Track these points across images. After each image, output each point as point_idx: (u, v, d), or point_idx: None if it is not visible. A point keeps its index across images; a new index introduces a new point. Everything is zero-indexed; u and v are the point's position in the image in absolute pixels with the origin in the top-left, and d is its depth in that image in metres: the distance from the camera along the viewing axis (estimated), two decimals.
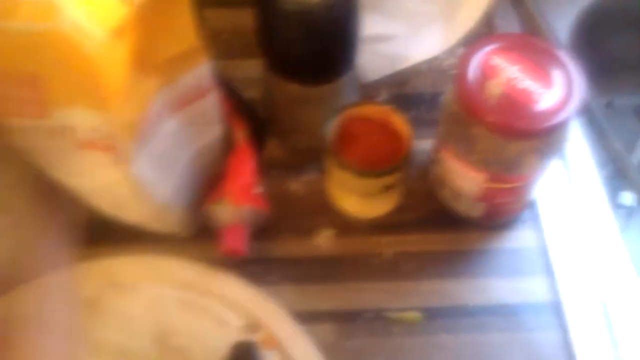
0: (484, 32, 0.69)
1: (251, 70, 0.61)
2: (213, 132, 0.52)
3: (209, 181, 0.57)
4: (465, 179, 0.53)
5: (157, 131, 0.44)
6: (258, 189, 0.57)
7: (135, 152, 0.43)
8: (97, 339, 0.52)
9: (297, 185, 0.63)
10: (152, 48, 0.38)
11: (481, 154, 0.50)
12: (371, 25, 0.55)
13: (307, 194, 0.62)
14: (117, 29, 0.35)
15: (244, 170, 0.56)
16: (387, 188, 0.56)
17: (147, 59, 0.38)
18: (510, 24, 0.71)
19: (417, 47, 0.67)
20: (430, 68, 0.69)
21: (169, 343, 0.52)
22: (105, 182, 0.50)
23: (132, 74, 0.37)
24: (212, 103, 0.48)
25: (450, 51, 0.68)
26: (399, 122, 0.56)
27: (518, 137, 0.48)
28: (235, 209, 0.55)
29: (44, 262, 0.56)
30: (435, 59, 0.68)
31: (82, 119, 0.43)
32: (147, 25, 0.36)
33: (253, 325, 0.53)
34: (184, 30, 0.40)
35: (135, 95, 0.39)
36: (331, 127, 0.55)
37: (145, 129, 0.42)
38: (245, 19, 0.56)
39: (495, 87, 0.47)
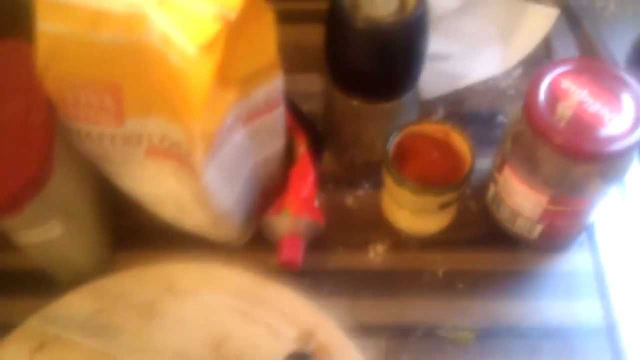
0: (542, 54, 0.69)
1: (310, 85, 0.62)
2: (277, 144, 0.53)
3: (267, 193, 0.58)
4: (526, 200, 0.53)
5: (227, 143, 0.45)
6: (317, 202, 0.57)
7: (207, 162, 0.44)
8: (154, 343, 0.52)
9: (352, 199, 0.63)
10: (235, 62, 0.39)
11: (546, 175, 0.50)
12: (432, 45, 0.55)
13: (361, 208, 0.63)
14: (208, 44, 0.35)
15: (306, 183, 0.57)
16: (444, 206, 0.56)
17: (229, 73, 0.39)
18: (568, 47, 0.71)
19: (476, 67, 0.67)
20: (487, 88, 0.69)
21: (223, 350, 0.53)
22: (170, 189, 0.52)
23: (214, 87, 0.38)
24: (280, 116, 0.49)
25: (508, 72, 0.68)
26: (459, 140, 0.56)
27: (586, 160, 0.48)
28: (295, 220, 0.56)
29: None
30: (493, 79, 0.69)
31: (157, 128, 0.44)
32: (233, 40, 0.37)
33: (306, 336, 0.53)
34: (266, 45, 0.41)
35: (214, 108, 0.40)
36: (391, 144, 0.55)
37: (219, 141, 0.43)
38: (306, 35, 0.59)
39: (565, 110, 0.47)
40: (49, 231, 0.51)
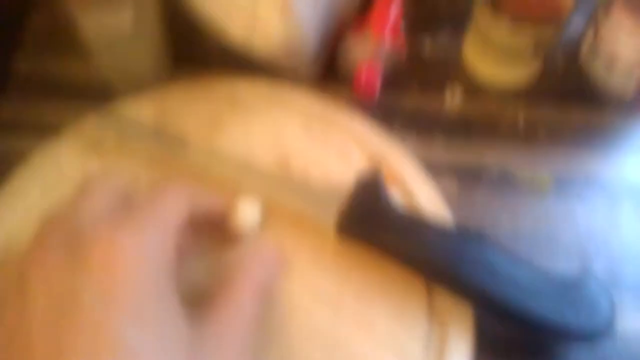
0: None
1: None
2: None
3: (344, 24, 0.55)
4: (632, 41, 0.49)
5: None
6: (401, 29, 0.54)
7: None
8: (219, 150, 0.50)
9: (430, 43, 0.60)
10: None
11: None
12: None
13: (439, 53, 0.60)
14: None
15: (391, 7, 0.53)
16: (537, 48, 0.53)
17: None
18: None
19: None
20: None
21: (290, 164, 0.50)
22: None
23: None
24: None
25: None
26: None
27: None
28: (377, 44, 0.53)
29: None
30: None
31: None
32: None
33: (376, 162, 0.51)
34: None
35: None
36: None
37: None
38: None
39: None
40: (118, 16, 0.48)
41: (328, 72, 0.57)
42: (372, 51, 0.53)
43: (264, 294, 0.35)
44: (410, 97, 0.57)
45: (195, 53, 0.58)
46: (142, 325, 0.29)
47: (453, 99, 0.57)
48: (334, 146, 0.51)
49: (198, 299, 0.34)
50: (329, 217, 0.45)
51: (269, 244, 0.40)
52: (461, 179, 0.52)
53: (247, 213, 0.41)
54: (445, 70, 0.58)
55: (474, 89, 0.57)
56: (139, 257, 0.31)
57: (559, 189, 0.52)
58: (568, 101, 0.56)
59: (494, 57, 0.56)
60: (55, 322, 0.29)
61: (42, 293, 0.30)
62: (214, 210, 0.40)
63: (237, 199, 0.42)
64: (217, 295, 0.34)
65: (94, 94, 0.54)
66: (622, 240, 0.49)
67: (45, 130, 0.51)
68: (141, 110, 0.53)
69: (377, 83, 0.53)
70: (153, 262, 0.31)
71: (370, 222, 0.45)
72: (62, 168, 0.50)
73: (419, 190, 0.49)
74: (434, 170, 0.52)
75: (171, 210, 0.34)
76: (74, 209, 0.34)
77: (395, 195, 0.48)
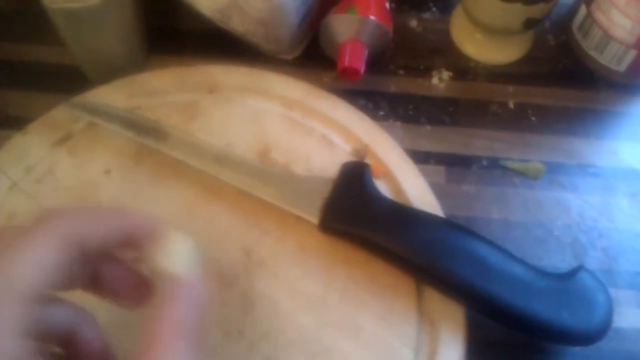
0: None
1: None
2: None
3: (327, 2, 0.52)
4: (626, 15, 0.47)
5: None
6: (388, 4, 0.51)
7: None
8: (197, 141, 0.47)
9: (416, 22, 0.58)
10: None
11: None
12: None
13: (426, 32, 0.57)
14: None
15: None
16: (528, 24, 0.50)
17: None
18: None
19: None
20: None
21: (270, 156, 0.48)
22: None
23: None
24: None
25: None
26: None
27: None
28: (361, 21, 0.50)
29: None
30: None
31: None
32: None
33: (361, 151, 0.48)
34: None
35: None
36: None
37: None
38: None
39: None
40: None
41: (310, 54, 0.55)
42: (356, 30, 0.50)
43: (190, 331, 0.28)
44: (396, 80, 0.54)
45: (170, 36, 0.55)
46: None
47: (441, 80, 0.54)
48: (316, 134, 0.49)
49: None
50: (312, 211, 0.43)
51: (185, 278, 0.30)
52: (450, 167, 0.50)
53: (176, 253, 0.30)
54: (432, 51, 0.56)
55: (462, 70, 0.55)
56: None
57: (551, 176, 0.50)
58: (559, 83, 0.54)
59: (483, 36, 0.54)
60: None
61: None
62: (119, 239, 0.30)
63: (161, 233, 0.31)
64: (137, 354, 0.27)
65: (64, 82, 0.51)
66: (617, 230, 0.48)
67: (11, 124, 0.49)
68: (114, 99, 0.50)
69: (362, 64, 0.50)
70: None
71: (355, 215, 0.43)
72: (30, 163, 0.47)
73: (406, 180, 0.47)
74: (422, 158, 0.50)
75: (36, 248, 0.27)
76: None
77: (381, 186, 0.46)
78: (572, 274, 0.40)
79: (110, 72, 0.51)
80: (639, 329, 0.43)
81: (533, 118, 0.52)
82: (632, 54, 0.50)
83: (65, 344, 0.30)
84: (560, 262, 0.46)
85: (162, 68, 0.52)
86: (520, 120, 0.52)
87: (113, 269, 0.32)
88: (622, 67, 0.51)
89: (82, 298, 0.32)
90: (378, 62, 0.54)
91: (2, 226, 0.36)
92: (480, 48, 0.54)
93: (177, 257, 0.30)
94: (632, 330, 0.43)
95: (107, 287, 0.32)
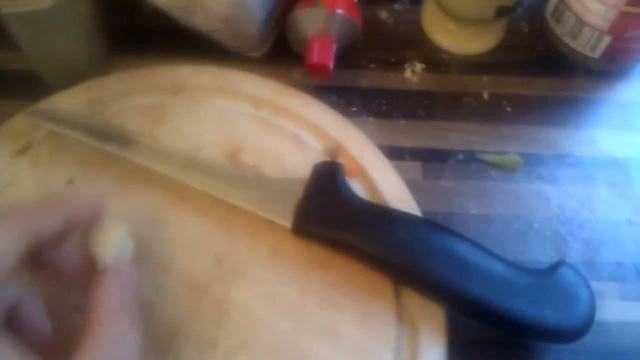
0: None
1: None
2: None
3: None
4: (597, 0, 0.46)
5: None
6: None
7: None
8: (163, 145, 0.45)
9: (386, 13, 0.56)
10: None
11: None
12: None
13: (397, 24, 0.56)
14: None
15: None
16: (500, 12, 0.49)
17: None
18: None
19: None
20: None
21: (240, 158, 0.46)
22: None
23: None
24: None
25: None
26: None
27: None
28: (329, 15, 0.48)
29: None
30: None
31: None
32: None
33: (334, 150, 0.47)
34: None
35: None
36: None
37: None
38: None
39: None
40: None
41: (279, 50, 0.53)
42: (323, 24, 0.49)
43: (127, 312, 0.33)
44: (368, 74, 0.53)
45: (134, 36, 0.53)
46: None
47: (414, 73, 0.53)
48: (287, 134, 0.47)
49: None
50: (285, 214, 0.42)
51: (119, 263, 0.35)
52: (426, 162, 0.49)
53: (109, 242, 0.35)
54: (404, 43, 0.55)
55: (435, 62, 0.54)
56: None
57: (529, 168, 0.49)
58: (533, 71, 0.53)
59: (454, 26, 0.53)
60: None
61: None
62: (67, 228, 0.34)
63: (98, 223, 0.35)
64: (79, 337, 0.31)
65: (24, 89, 0.49)
66: (597, 220, 0.47)
67: None
68: (75, 104, 0.48)
69: (331, 59, 0.49)
70: None
71: (329, 218, 0.41)
72: None
73: (381, 179, 0.46)
74: (397, 154, 0.49)
75: None
76: None
77: (356, 186, 0.44)
78: (553, 269, 0.39)
79: (70, 77, 0.49)
80: (623, 322, 0.42)
81: (508, 109, 0.51)
82: (607, 39, 0.49)
83: (9, 320, 0.33)
84: (541, 255, 0.45)
85: (125, 70, 0.50)
86: (495, 111, 0.51)
87: (61, 252, 0.35)
88: (597, 54, 0.50)
89: None
90: (348, 56, 0.52)
91: None
92: (453, 38, 0.53)
93: (109, 246, 0.34)
94: (616, 323, 0.42)
95: (54, 269, 0.35)
